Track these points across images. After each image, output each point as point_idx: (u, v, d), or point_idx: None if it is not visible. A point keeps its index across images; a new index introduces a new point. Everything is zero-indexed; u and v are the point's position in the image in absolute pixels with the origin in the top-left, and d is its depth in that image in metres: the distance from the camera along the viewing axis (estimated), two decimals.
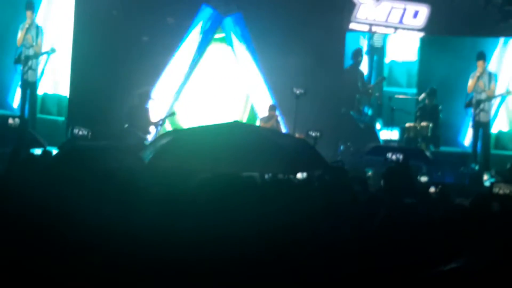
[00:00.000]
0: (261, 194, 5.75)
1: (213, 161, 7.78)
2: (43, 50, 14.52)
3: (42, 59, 14.73)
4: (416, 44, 17.60)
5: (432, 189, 10.23)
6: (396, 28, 16.91)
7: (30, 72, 14.37)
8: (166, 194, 6.37)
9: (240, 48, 15.77)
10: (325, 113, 15.24)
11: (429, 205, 8.98)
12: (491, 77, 16.22)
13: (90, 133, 10.77)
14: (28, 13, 14.47)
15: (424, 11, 16.83)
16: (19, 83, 14.76)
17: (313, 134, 12.77)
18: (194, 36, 15.46)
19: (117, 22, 14.50)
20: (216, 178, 6.11)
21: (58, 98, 15.19)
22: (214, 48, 15.91)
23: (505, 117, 17.20)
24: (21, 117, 12.44)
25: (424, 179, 12.80)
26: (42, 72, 15.16)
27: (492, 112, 16.61)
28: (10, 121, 10.60)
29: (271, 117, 14.43)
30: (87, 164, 6.95)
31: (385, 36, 17.44)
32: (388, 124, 16.83)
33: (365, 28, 16.80)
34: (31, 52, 14.42)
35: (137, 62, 14.61)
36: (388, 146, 14.73)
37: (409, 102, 16.99)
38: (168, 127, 14.82)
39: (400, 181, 9.15)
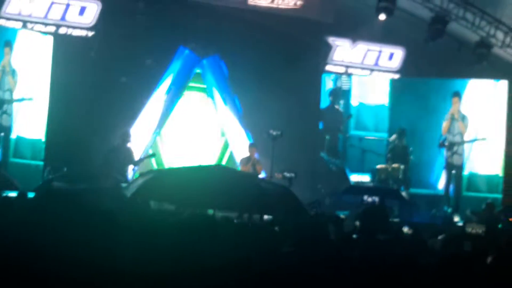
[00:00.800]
0: (230, 235, 5.84)
1: (194, 200, 7.83)
2: (18, 95, 13.97)
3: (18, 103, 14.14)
4: (386, 87, 17.22)
5: (405, 229, 10.28)
6: (371, 70, 17.16)
7: (4, 116, 13.93)
8: (145, 230, 6.45)
9: (218, 89, 15.86)
10: (301, 154, 15.31)
11: (403, 244, 9.04)
12: (464, 119, 16.13)
13: (66, 174, 10.76)
14: (6, 50, 13.99)
15: (399, 53, 17.12)
16: None
17: (288, 175, 12.81)
18: (172, 77, 15.53)
19: (95, 64, 14.52)
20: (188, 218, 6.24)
21: (32, 142, 14.47)
22: (192, 90, 15.98)
23: (477, 159, 16.82)
24: None
25: (396, 220, 12.83)
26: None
27: (467, 154, 16.38)
28: None
29: (250, 157, 14.43)
30: (64, 207, 6.99)
31: (351, 78, 17.16)
32: (358, 166, 16.50)
33: (341, 70, 17.01)
34: (7, 96, 13.98)
35: (115, 103, 14.61)
36: (364, 186, 14.64)
37: (379, 143, 16.74)
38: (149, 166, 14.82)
39: (376, 222, 9.22)
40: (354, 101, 17.19)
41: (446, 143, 16.12)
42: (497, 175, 16.39)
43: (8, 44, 14.14)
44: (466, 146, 16.25)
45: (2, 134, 13.93)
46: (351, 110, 17.11)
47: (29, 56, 14.30)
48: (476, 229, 7.40)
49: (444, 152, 16.21)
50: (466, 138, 16.16)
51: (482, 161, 16.66)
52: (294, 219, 9.21)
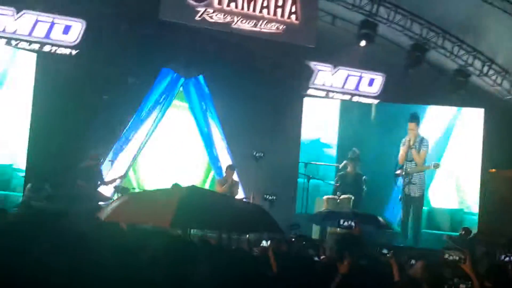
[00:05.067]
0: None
1: (172, 219, 7.86)
2: None
3: None
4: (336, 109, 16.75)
5: (384, 251, 10.38)
6: (352, 95, 17.35)
7: None
8: (116, 253, 6.59)
9: (200, 109, 15.96)
10: (282, 177, 15.40)
11: (382, 266, 9.18)
12: (422, 143, 15.11)
13: (46, 193, 10.81)
14: None
15: (379, 79, 17.37)
16: None
17: (270, 198, 12.87)
18: (155, 97, 15.61)
19: (78, 81, 14.54)
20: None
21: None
22: (174, 110, 16.06)
23: (438, 191, 16.01)
24: None
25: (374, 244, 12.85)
26: None
27: (426, 186, 15.27)
28: None
29: (227, 178, 14.45)
30: (41, 228, 7.12)
31: None
32: (302, 196, 15.19)
33: (322, 93, 17.22)
34: None
35: (97, 121, 14.62)
36: (342, 212, 14.07)
37: (327, 170, 15.94)
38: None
39: (353, 247, 9.36)
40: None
41: (402, 172, 14.91)
42: (461, 210, 15.71)
43: None
44: (425, 176, 15.14)
45: None
46: None
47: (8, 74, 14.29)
48: (454, 256, 7.49)
49: (401, 182, 15.00)
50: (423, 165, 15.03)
51: (444, 193, 15.79)
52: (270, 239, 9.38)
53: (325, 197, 14.66)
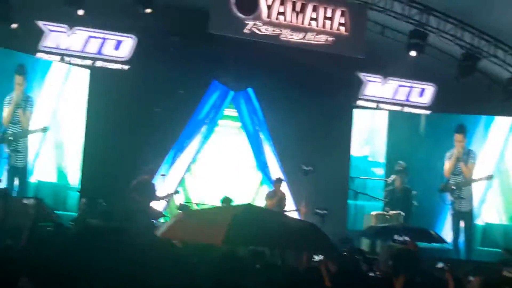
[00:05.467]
0: None
1: (224, 237, 7.93)
2: (32, 127, 13.71)
3: (35, 138, 13.71)
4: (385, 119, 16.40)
5: (440, 265, 10.23)
6: (402, 106, 17.19)
7: (16, 155, 13.39)
8: (172, 269, 6.72)
9: (251, 123, 16.01)
10: (332, 190, 15.33)
11: (438, 282, 9.07)
12: (470, 155, 14.83)
13: (101, 210, 10.98)
14: (18, 79, 13.76)
15: (430, 89, 17.16)
16: (5, 167, 13.40)
17: (321, 212, 12.80)
18: (205, 111, 15.71)
19: (130, 96, 14.75)
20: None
21: (54, 186, 13.97)
22: (224, 123, 16.13)
23: (493, 206, 15.33)
24: (35, 197, 11.75)
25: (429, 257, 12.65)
26: (37, 155, 13.96)
27: (477, 199, 14.84)
28: (25, 201, 10.77)
29: (276, 191, 14.43)
30: (99, 245, 7.27)
31: None
32: (349, 212, 14.87)
33: (373, 105, 17.09)
34: (17, 128, 13.63)
35: (149, 135, 14.84)
36: (394, 226, 13.25)
37: (375, 185, 15.52)
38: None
39: (409, 263, 9.26)
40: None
41: (449, 186, 14.53)
42: None
43: (21, 70, 13.83)
44: (475, 189, 14.69)
45: (18, 177, 12.89)
46: None
47: (63, 90, 14.51)
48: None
49: (448, 197, 14.64)
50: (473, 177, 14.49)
51: (500, 207, 15.14)
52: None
53: (373, 212, 14.45)
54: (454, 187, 14.64)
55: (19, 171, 13.55)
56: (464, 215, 14.73)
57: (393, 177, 15.02)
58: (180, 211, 13.16)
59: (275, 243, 8.48)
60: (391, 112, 16.73)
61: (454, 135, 15.00)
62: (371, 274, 9.21)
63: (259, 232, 7.81)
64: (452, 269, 10.02)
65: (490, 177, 14.93)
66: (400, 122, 16.45)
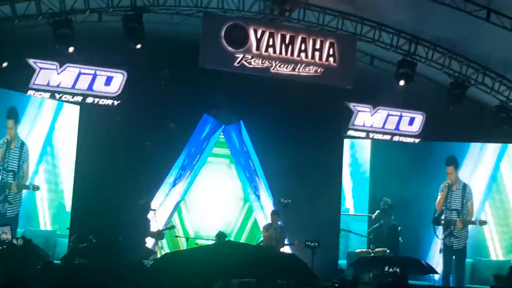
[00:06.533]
0: None
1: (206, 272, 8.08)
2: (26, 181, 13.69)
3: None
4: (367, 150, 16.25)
5: None
6: (392, 135, 17.27)
7: (7, 206, 13.37)
8: None
9: (241, 156, 16.07)
10: (324, 222, 15.35)
11: None
12: (465, 191, 14.70)
13: (89, 248, 11.01)
14: (9, 123, 13.87)
15: (419, 118, 17.26)
16: None
17: (311, 244, 12.80)
18: (196, 144, 15.77)
19: (120, 131, 14.82)
20: None
21: (43, 234, 13.80)
22: (216, 157, 16.19)
23: (482, 240, 15.04)
24: (23, 237, 11.49)
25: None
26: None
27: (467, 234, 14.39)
28: (13, 241, 10.80)
29: (272, 223, 14.42)
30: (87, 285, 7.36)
31: None
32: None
33: (363, 134, 17.17)
34: (10, 179, 13.59)
35: (140, 170, 14.88)
36: (385, 257, 13.44)
37: (359, 221, 15.40)
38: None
39: None
40: None
41: (443, 222, 14.23)
42: (508, 261, 14.66)
43: (13, 114, 13.95)
44: (468, 228, 14.49)
45: (7, 228, 12.43)
46: None
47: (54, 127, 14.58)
48: None
49: (440, 232, 14.36)
50: (467, 215, 14.26)
51: (490, 243, 14.88)
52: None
53: (357, 250, 14.39)
54: (446, 223, 14.33)
55: (10, 221, 13.33)
56: (456, 252, 14.58)
57: (378, 212, 14.88)
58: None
59: (255, 274, 8.66)
60: (374, 142, 16.66)
61: (446, 168, 14.91)
62: None
63: (239, 265, 8.00)
64: None
65: (483, 223, 14.82)
66: (384, 152, 16.32)
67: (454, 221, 14.60)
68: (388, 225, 14.61)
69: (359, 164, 16.39)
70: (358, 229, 15.00)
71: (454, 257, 14.47)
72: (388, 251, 13.89)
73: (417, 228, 14.84)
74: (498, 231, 15.47)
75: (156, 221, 13.54)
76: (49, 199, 14.45)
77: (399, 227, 14.36)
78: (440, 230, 14.42)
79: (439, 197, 14.78)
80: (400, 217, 14.69)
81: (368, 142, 16.66)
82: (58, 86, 14.81)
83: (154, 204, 14.18)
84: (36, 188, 14.01)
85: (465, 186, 15.06)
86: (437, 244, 14.69)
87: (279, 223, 14.16)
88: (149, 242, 13.74)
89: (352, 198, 15.97)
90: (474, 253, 15.06)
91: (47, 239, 13.65)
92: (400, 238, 14.19)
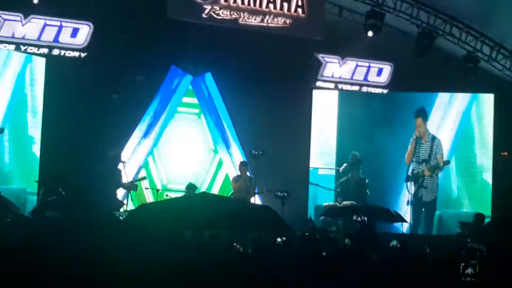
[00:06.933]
0: None
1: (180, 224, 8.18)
2: None
3: None
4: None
5: (394, 243, 10.44)
6: (361, 86, 17.35)
7: None
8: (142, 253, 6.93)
9: (210, 107, 16.02)
10: (294, 172, 15.46)
11: (394, 260, 9.31)
12: (434, 142, 14.52)
13: (58, 201, 10.97)
14: None
15: (387, 69, 17.37)
16: None
17: (281, 194, 12.90)
18: (164, 96, 15.68)
19: (88, 83, 14.65)
20: None
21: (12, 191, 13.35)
22: (184, 108, 16.12)
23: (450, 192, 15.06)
24: None
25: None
26: None
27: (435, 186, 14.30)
28: None
29: (241, 175, 14.50)
30: (58, 238, 7.38)
31: None
32: None
33: (331, 86, 17.23)
34: None
35: (108, 122, 14.72)
36: (355, 206, 13.40)
37: (327, 175, 15.22)
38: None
39: (366, 242, 9.49)
40: None
41: (411, 174, 14.08)
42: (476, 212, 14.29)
43: None
44: (437, 178, 14.41)
45: None
46: None
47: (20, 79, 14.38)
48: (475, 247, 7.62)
49: (408, 185, 14.25)
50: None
51: (456, 195, 14.88)
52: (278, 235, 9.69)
53: (325, 204, 14.45)
54: (414, 176, 14.28)
55: None
56: (425, 205, 14.59)
57: (345, 165, 14.80)
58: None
59: (228, 225, 8.76)
60: (341, 95, 16.60)
61: (415, 120, 14.86)
62: (324, 253, 9.37)
63: (213, 217, 8.06)
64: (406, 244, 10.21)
65: (446, 163, 14.86)
66: (352, 103, 16.19)
67: (422, 171, 14.63)
68: (356, 178, 14.60)
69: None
70: (325, 183, 15.03)
71: (423, 209, 14.50)
72: (355, 204, 13.86)
73: (385, 182, 14.79)
74: (464, 183, 15.61)
75: (126, 173, 13.49)
76: (16, 152, 14.28)
77: (367, 180, 14.32)
78: (410, 185, 14.37)
79: (408, 150, 14.80)
80: (368, 171, 14.65)
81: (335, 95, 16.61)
82: (23, 38, 14.58)
83: (123, 156, 14.10)
84: (1, 130, 13.73)
85: (434, 138, 15.10)
86: (406, 197, 14.68)
87: (248, 174, 14.24)
88: (120, 193, 13.73)
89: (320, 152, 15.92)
90: (441, 205, 15.16)
91: (16, 197, 13.50)
92: (367, 191, 14.14)
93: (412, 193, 14.24)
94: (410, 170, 14.42)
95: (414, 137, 14.78)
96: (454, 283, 7.82)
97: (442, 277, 7.85)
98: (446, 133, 15.81)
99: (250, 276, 7.18)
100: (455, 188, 15.48)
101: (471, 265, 7.60)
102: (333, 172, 15.47)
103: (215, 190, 15.65)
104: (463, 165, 15.69)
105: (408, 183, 14.05)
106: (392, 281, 7.54)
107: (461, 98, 16.35)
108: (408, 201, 14.40)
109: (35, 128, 14.47)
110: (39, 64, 14.60)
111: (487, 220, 13.78)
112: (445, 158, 15.13)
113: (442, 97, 16.39)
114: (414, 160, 14.55)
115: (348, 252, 9.77)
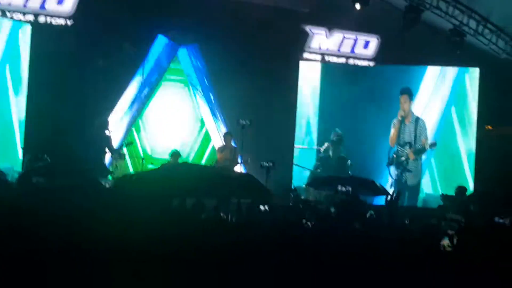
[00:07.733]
0: None
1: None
2: None
3: None
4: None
5: (371, 212, 10.51)
6: (347, 58, 17.37)
7: None
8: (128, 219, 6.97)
9: (196, 78, 16.02)
10: (280, 143, 15.53)
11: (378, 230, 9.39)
12: (418, 124, 14.34)
13: (45, 168, 10.99)
14: None
15: (374, 41, 17.38)
16: None
17: (266, 164, 12.98)
18: (150, 65, 15.66)
19: (74, 51, 14.60)
20: None
21: None
22: (171, 78, 16.11)
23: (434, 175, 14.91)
24: None
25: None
26: None
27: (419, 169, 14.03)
28: None
29: (226, 145, 14.62)
30: (44, 206, 7.39)
31: None
32: None
33: (318, 57, 17.24)
34: None
35: (94, 90, 14.70)
36: (340, 177, 13.13)
37: (306, 154, 15.15)
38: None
39: (350, 212, 9.58)
40: None
41: (394, 157, 13.81)
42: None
43: None
44: (421, 161, 14.22)
45: None
46: None
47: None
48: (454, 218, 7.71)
49: (391, 170, 13.98)
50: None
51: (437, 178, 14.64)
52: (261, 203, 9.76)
53: (306, 185, 14.26)
54: (398, 159, 13.99)
55: None
56: (410, 189, 14.49)
57: (326, 144, 14.60)
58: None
59: (211, 193, 8.84)
60: (324, 69, 16.45)
61: (400, 97, 14.68)
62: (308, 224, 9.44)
63: (196, 186, 8.15)
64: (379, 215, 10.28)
65: (433, 145, 14.74)
66: (335, 77, 16.06)
67: (406, 154, 14.46)
68: (336, 156, 14.41)
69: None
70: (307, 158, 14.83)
71: (407, 193, 14.35)
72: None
73: (368, 162, 14.58)
74: (444, 168, 15.52)
75: (113, 141, 13.54)
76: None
77: (349, 161, 14.03)
78: (394, 169, 14.13)
79: (391, 132, 14.67)
80: (351, 151, 14.40)
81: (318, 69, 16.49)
82: (9, 4, 14.47)
83: (109, 124, 14.12)
84: None
85: (417, 119, 14.98)
86: (389, 178, 14.55)
87: (232, 144, 14.31)
88: (106, 160, 13.80)
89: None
90: (425, 188, 15.15)
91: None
92: (349, 172, 13.85)
93: (396, 178, 14.04)
94: (392, 153, 14.21)
95: (399, 118, 14.57)
96: (430, 254, 7.92)
97: (419, 248, 7.94)
98: (433, 113, 15.80)
99: (232, 244, 7.24)
100: (437, 170, 15.44)
101: (447, 235, 7.72)
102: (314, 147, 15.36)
103: (202, 160, 15.71)
104: (446, 145, 15.65)
105: (391, 168, 13.79)
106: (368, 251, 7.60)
107: (451, 74, 16.33)
108: (391, 184, 14.25)
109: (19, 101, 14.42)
110: (25, 33, 14.51)
111: (469, 193, 14.00)
112: (429, 140, 15.07)
113: (431, 73, 16.32)
114: (397, 142, 14.32)
115: (332, 221, 9.86)
